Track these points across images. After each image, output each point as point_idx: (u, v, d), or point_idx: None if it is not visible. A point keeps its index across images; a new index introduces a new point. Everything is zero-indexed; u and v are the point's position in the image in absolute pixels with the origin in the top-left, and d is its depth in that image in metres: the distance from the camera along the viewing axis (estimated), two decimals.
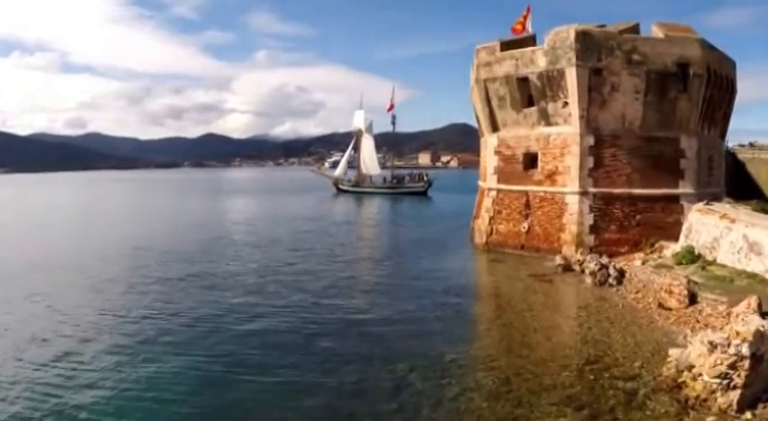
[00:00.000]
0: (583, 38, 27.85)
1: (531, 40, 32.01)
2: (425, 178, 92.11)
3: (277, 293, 23.04)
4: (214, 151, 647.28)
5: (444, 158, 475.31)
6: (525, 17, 35.83)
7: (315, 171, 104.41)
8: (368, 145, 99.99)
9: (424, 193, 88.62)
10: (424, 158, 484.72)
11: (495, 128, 32.32)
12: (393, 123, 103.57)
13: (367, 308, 20.82)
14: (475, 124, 37.87)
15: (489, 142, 32.73)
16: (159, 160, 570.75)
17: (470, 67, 36.72)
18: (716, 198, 31.73)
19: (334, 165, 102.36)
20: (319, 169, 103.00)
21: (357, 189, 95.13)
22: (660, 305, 20.09)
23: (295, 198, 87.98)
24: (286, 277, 26.00)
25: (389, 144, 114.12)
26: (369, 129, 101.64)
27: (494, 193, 32.34)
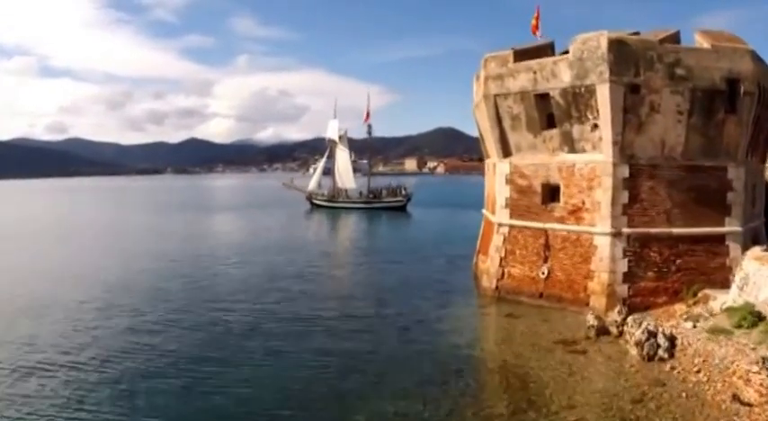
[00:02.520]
0: (617, 47, 23.02)
1: (548, 49, 27.22)
2: (404, 192, 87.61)
3: (231, 380, 17.93)
4: (197, 156, 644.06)
5: (431, 164, 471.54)
6: (537, 19, 30.99)
7: (287, 184, 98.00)
8: (343, 157, 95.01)
9: (402, 208, 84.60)
10: (411, 164, 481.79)
11: (506, 152, 27.37)
12: (369, 133, 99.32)
13: (347, 405, 15.71)
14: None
15: (499, 169, 27.74)
16: (141, 166, 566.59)
17: (473, 79, 32.04)
18: (757, 233, 27.37)
19: (327, 171, 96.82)
20: (292, 182, 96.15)
21: (332, 204, 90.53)
22: (734, 396, 15.40)
23: (267, 215, 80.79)
24: (248, 351, 20.82)
25: (370, 152, 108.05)
26: (344, 139, 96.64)
27: (505, 230, 27.39)
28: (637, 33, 24.89)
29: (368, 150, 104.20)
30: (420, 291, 29.67)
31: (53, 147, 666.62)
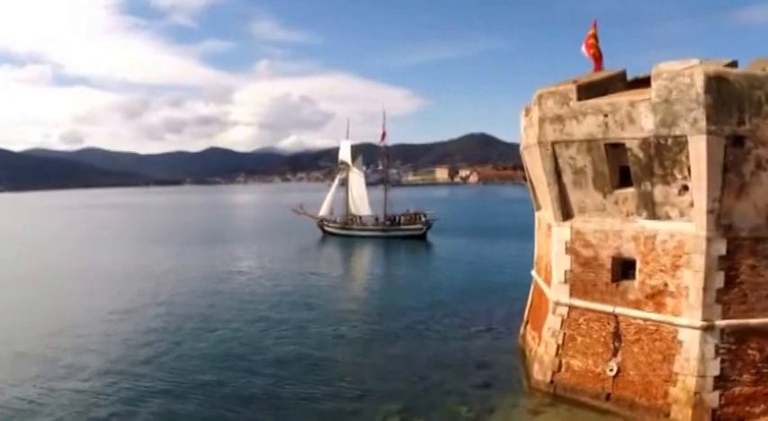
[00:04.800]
0: (717, 86, 17.62)
1: (618, 80, 21.92)
2: (423, 218, 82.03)
3: None
4: (218, 165, 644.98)
5: (463, 173, 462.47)
6: (594, 37, 25.02)
7: (296, 210, 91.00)
8: (357, 181, 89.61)
9: (422, 237, 79.02)
10: (441, 173, 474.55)
11: (566, 214, 21.94)
12: (387, 156, 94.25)
13: None
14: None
15: (557, 234, 22.24)
16: (160, 176, 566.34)
17: (521, 113, 26.81)
18: None
19: (343, 182, 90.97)
20: (301, 207, 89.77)
21: (345, 231, 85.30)
22: None
23: (275, 248, 72.34)
24: None
25: (386, 174, 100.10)
26: (357, 162, 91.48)
27: (564, 311, 21.96)
28: (734, 64, 19.59)
29: (384, 171, 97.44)
30: (452, 381, 23.72)
31: (69, 157, 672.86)
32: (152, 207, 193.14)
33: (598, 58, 24.49)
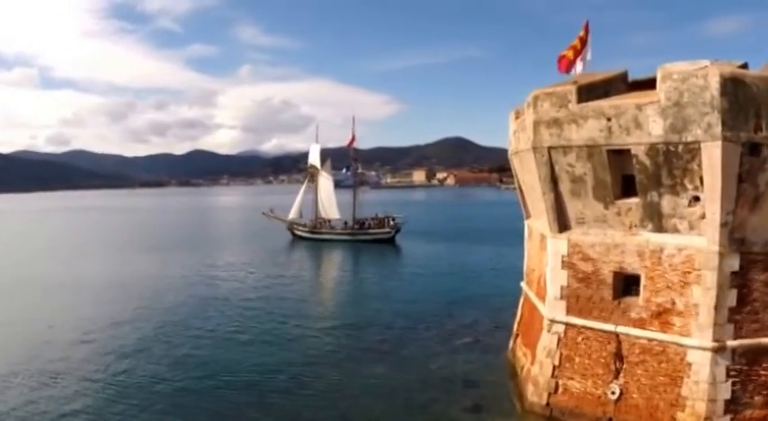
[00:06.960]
0: (733, 89, 16.19)
1: (621, 82, 20.38)
2: (392, 222, 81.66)
3: None
4: (202, 167, 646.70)
5: (440, 175, 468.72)
6: (584, 40, 22.66)
7: (267, 214, 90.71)
8: (325, 185, 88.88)
9: (390, 241, 78.84)
10: (419, 175, 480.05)
11: (563, 225, 20.37)
12: (356, 160, 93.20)
13: None
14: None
15: (553, 247, 20.69)
16: (145, 178, 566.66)
17: (510, 116, 25.35)
18: None
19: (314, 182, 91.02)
20: (272, 211, 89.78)
21: (314, 235, 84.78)
22: None
23: (247, 251, 70.64)
24: None
25: (356, 177, 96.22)
26: (326, 166, 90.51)
27: (560, 329, 20.39)
28: (745, 66, 18.15)
29: (356, 175, 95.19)
30: (439, 403, 21.78)
31: (55, 159, 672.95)
32: (133, 210, 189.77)
33: (565, 62, 22.04)
